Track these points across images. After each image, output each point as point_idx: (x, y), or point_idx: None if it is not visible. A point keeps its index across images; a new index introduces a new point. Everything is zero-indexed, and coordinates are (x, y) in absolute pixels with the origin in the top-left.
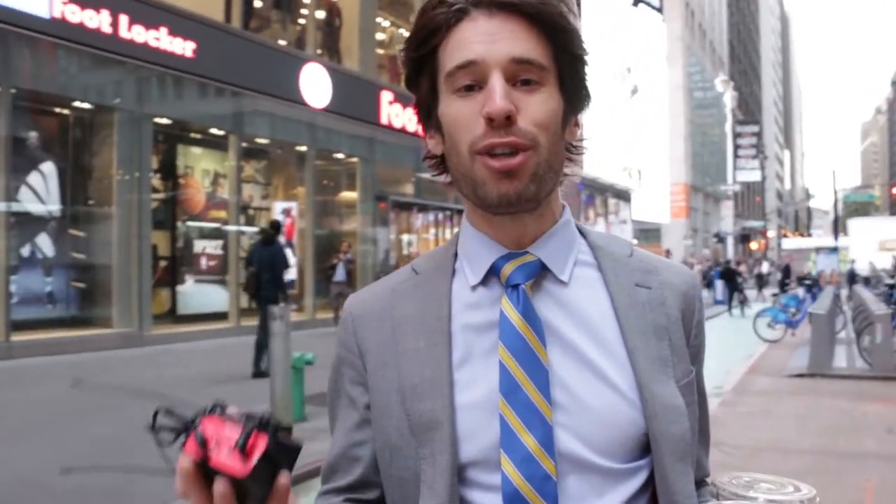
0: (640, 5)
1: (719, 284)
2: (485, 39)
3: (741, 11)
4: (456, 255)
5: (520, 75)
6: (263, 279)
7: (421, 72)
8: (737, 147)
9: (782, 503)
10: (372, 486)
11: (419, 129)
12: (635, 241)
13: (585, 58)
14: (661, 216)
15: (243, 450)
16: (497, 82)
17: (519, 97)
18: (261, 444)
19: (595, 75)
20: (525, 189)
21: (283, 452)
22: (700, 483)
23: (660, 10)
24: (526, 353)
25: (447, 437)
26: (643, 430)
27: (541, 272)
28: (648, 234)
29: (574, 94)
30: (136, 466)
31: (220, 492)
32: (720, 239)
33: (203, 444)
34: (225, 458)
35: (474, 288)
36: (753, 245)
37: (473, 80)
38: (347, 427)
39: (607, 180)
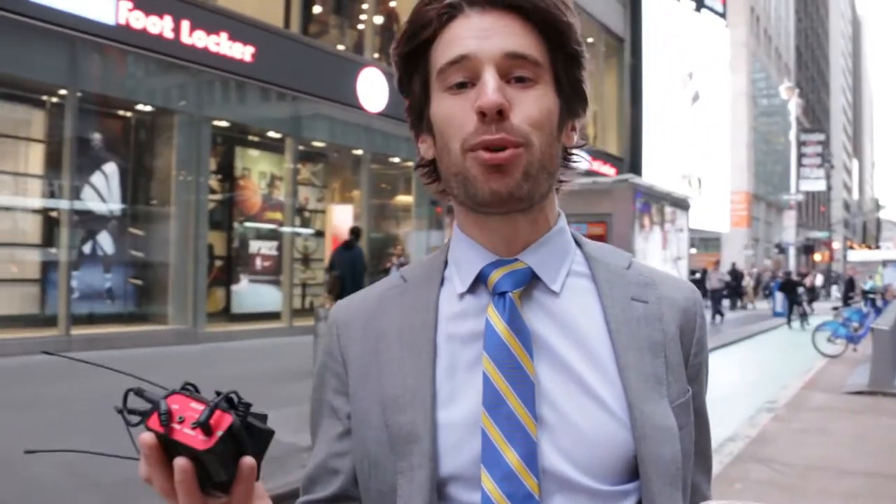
0: (703, 11)
1: (779, 296)
2: (478, 35)
3: (809, 17)
4: (446, 263)
5: (514, 71)
6: (346, 282)
7: (412, 72)
8: (801, 156)
9: None
10: (351, 499)
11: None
12: (694, 251)
13: (582, 58)
14: (720, 225)
15: (206, 426)
16: (490, 76)
17: (512, 93)
18: (225, 422)
19: (657, 81)
20: (517, 186)
21: (251, 434)
22: None
23: (723, 15)
24: (511, 364)
25: (426, 451)
26: (633, 451)
27: (531, 281)
28: (708, 243)
29: (571, 95)
30: (109, 452)
31: (181, 466)
32: (781, 249)
33: (167, 418)
34: (187, 432)
35: (462, 296)
36: (817, 256)
37: (466, 77)
38: (329, 438)
39: (662, 188)
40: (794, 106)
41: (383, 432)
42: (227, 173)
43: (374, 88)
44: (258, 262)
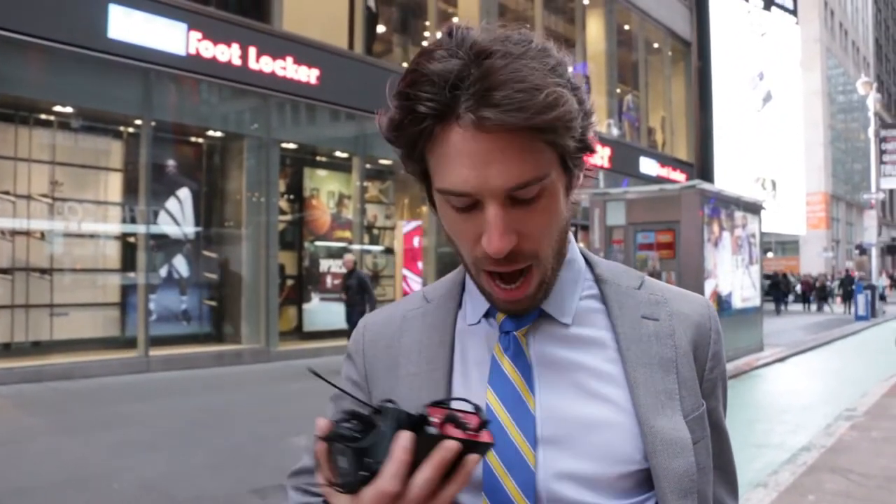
0: (773, 9)
1: (861, 299)
2: (475, 165)
3: (889, 6)
4: (464, 285)
5: (518, 196)
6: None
7: (409, 155)
8: (882, 152)
9: None
10: None
11: None
12: (770, 255)
13: (588, 138)
14: (797, 228)
15: (484, 425)
16: (495, 218)
17: (519, 217)
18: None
19: (725, 83)
20: (532, 297)
21: None
22: None
23: (794, 12)
24: (513, 398)
25: None
26: (642, 466)
27: (540, 316)
28: (786, 246)
29: (576, 166)
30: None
31: (477, 461)
32: (863, 250)
33: (464, 426)
34: (473, 432)
35: (472, 325)
36: None
37: (468, 204)
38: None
39: (732, 193)
40: (872, 101)
41: None
42: (297, 194)
43: None
44: (328, 281)
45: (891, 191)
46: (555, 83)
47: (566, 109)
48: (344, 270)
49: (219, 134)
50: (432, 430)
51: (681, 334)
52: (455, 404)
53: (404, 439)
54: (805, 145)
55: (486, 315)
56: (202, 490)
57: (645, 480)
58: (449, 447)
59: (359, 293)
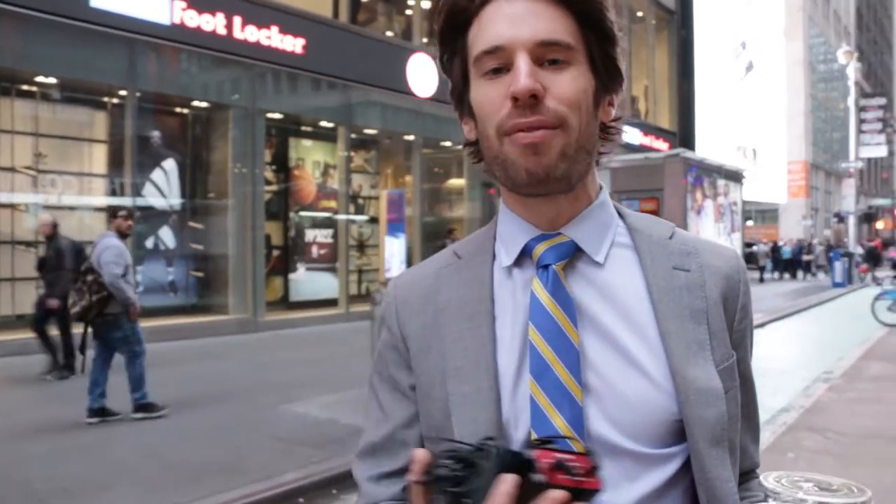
0: None
1: (838, 266)
2: (510, 22)
3: None
4: (495, 237)
5: (547, 56)
6: None
7: (452, 56)
8: (861, 122)
9: None
10: None
11: None
12: (750, 223)
13: (616, 35)
14: (778, 196)
15: (595, 471)
16: (522, 62)
17: (546, 76)
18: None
19: (709, 52)
20: (554, 167)
21: None
22: (749, 473)
23: None
24: (556, 333)
25: (492, 419)
26: (675, 417)
27: (575, 253)
28: (766, 214)
29: (605, 72)
30: None
31: None
32: (841, 219)
33: (569, 471)
34: (583, 478)
35: (509, 269)
36: (879, 224)
37: (500, 64)
38: (391, 409)
39: (714, 161)
40: (852, 70)
41: (447, 402)
42: (282, 164)
43: (423, 73)
44: (314, 251)
45: (869, 159)
46: None
47: (600, 2)
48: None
49: (204, 104)
50: (539, 478)
51: (711, 286)
52: (563, 444)
53: (507, 484)
54: (786, 114)
55: (522, 254)
56: (203, 456)
57: (679, 429)
58: (555, 498)
59: (57, 269)
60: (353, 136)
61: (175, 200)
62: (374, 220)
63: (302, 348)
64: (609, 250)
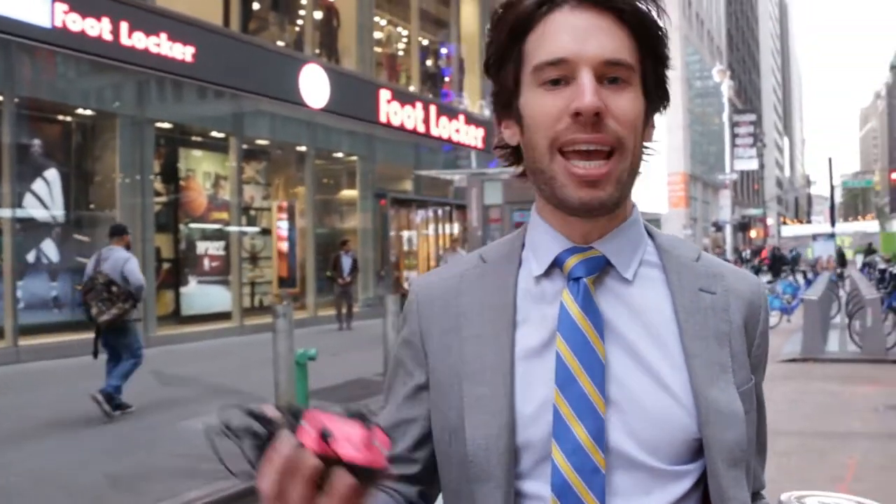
0: None
1: None
2: (576, 36)
3: (738, 0)
4: (524, 245)
5: (608, 74)
6: None
7: (505, 60)
8: (734, 136)
9: None
10: (413, 462)
11: (418, 126)
12: None
13: (669, 57)
14: (660, 206)
15: (375, 445)
16: (587, 79)
17: (607, 96)
18: (385, 438)
19: None
20: (609, 197)
21: None
22: (756, 495)
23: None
24: (583, 346)
25: (505, 423)
26: (694, 435)
27: (605, 268)
28: (649, 223)
29: (656, 94)
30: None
31: (350, 484)
32: (718, 227)
33: (327, 436)
34: (356, 450)
35: (538, 279)
36: (753, 233)
37: (561, 76)
38: (399, 402)
39: None
40: (726, 88)
41: (462, 403)
42: (172, 175)
43: (315, 84)
44: (206, 263)
45: (742, 172)
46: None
47: (657, 18)
48: None
49: (89, 112)
50: (299, 442)
51: (735, 309)
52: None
53: (279, 452)
54: (666, 128)
55: (552, 266)
56: (101, 476)
57: (696, 447)
58: (304, 461)
59: None
60: (245, 146)
61: (58, 212)
62: (266, 232)
63: (196, 363)
64: (638, 268)
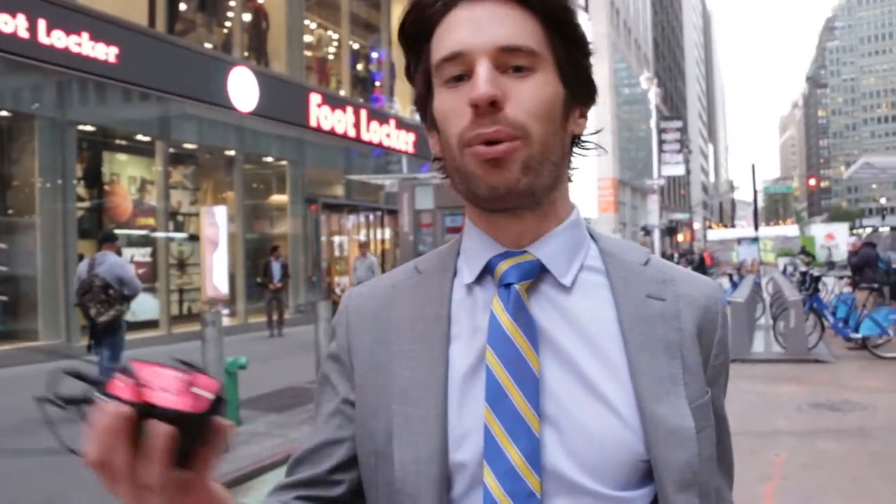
0: None
1: None
2: (471, 27)
3: (665, 10)
4: (459, 254)
5: (510, 62)
6: None
7: (416, 66)
8: (662, 142)
9: None
10: (335, 484)
11: (348, 130)
12: None
13: (587, 42)
14: (589, 211)
15: (193, 389)
16: (482, 69)
17: (508, 84)
18: (212, 384)
19: None
20: (515, 181)
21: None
22: None
23: (585, 8)
24: (515, 358)
25: (437, 446)
26: (642, 457)
27: (540, 274)
28: None
29: (576, 81)
30: (26, 450)
31: (164, 432)
32: (647, 232)
33: (137, 383)
34: (168, 396)
35: (470, 287)
36: (680, 237)
37: (462, 71)
38: (324, 421)
39: None
40: (653, 95)
41: (391, 424)
42: (95, 179)
43: (244, 87)
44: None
45: (669, 177)
46: None
47: (571, 6)
48: None
49: (5, 113)
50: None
51: (686, 317)
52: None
53: (97, 406)
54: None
55: (484, 272)
56: (27, 497)
57: (646, 470)
58: (112, 412)
59: None
60: (172, 150)
61: None
62: (194, 238)
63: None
64: (578, 273)
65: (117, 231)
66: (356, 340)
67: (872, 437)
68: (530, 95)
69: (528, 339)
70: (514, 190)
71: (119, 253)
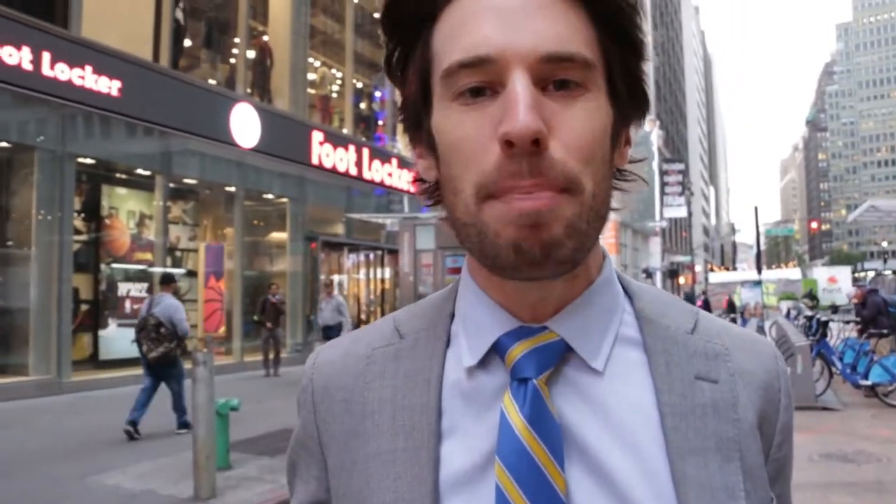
0: None
1: None
2: (500, 21)
3: (666, 53)
4: (453, 315)
5: (554, 75)
6: None
7: (406, 60)
8: (664, 184)
9: None
10: None
11: (350, 169)
12: None
13: (644, 49)
14: None
15: None
16: (520, 87)
17: (553, 110)
18: None
19: None
20: (557, 246)
21: None
22: None
23: None
24: (532, 475)
25: None
26: None
27: (564, 355)
28: None
29: (628, 100)
30: None
31: None
32: (649, 274)
33: None
34: None
35: (471, 371)
36: (682, 279)
37: (483, 83)
38: None
39: None
40: (655, 137)
41: None
42: (93, 212)
43: (246, 123)
44: (128, 305)
45: (671, 219)
46: None
47: (634, 2)
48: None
49: (4, 144)
50: None
51: (745, 402)
52: None
53: None
54: None
55: (491, 352)
56: None
57: None
58: None
59: None
60: (172, 185)
61: None
62: (192, 274)
63: (113, 411)
64: (612, 350)
65: (115, 266)
66: (326, 426)
67: (890, 491)
68: (582, 128)
69: (549, 450)
70: (552, 257)
71: (177, 293)
